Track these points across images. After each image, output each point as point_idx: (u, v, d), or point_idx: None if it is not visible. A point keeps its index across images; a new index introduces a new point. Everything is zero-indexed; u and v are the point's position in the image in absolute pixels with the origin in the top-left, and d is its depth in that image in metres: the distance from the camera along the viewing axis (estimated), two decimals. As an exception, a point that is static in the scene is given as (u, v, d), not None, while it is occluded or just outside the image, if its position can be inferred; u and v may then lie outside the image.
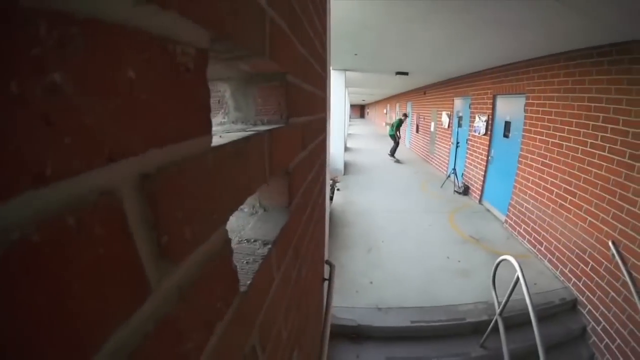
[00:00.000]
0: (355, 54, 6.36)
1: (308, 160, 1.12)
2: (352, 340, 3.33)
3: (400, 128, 12.95)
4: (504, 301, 3.09)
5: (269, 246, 0.64)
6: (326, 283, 2.40)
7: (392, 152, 13.05)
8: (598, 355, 3.69)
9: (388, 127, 14.47)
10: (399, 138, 13.04)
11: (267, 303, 0.64)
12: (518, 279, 2.87)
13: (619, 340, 3.47)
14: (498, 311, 3.14)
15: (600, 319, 3.73)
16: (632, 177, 3.48)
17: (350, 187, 8.27)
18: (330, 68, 2.36)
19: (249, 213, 0.79)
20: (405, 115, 13.37)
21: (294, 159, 0.86)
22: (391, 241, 5.20)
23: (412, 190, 8.38)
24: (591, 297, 3.90)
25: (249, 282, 0.52)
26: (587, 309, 3.95)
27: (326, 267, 2.47)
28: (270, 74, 0.72)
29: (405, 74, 8.57)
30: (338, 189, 7.78)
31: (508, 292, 3.01)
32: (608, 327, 3.61)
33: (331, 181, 8.33)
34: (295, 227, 0.91)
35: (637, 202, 3.42)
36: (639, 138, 3.43)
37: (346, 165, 10.53)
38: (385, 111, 25.48)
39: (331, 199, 7.36)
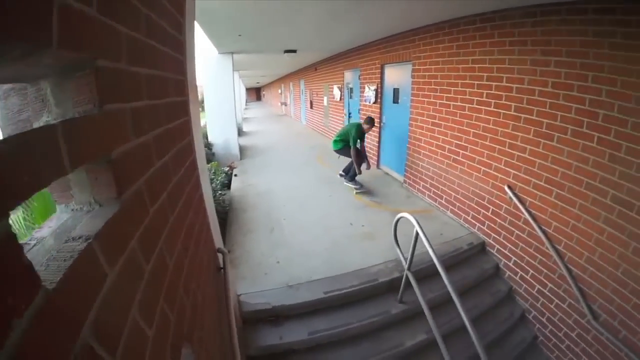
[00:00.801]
0: (240, 35, 6.16)
1: (155, 146, 1.06)
2: (272, 323, 3.21)
3: (363, 141, 6.55)
4: (409, 256, 3.17)
5: (90, 241, 0.61)
6: (223, 272, 2.31)
7: (347, 173, 6.65)
8: (515, 287, 4.09)
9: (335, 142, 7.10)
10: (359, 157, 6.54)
11: (99, 299, 0.61)
12: (417, 233, 2.95)
13: (532, 271, 3.86)
14: (406, 266, 3.23)
15: (510, 255, 4.12)
16: (519, 127, 3.81)
17: (249, 171, 7.97)
18: (196, 50, 2.25)
19: (86, 210, 0.75)
20: (372, 121, 6.22)
21: (120, 147, 0.80)
22: (293, 217, 5.09)
23: (310, 165, 8.37)
24: (497, 237, 4.28)
25: (59, 278, 0.50)
26: (495, 249, 4.34)
27: (221, 256, 2.35)
28: (79, 62, 0.68)
29: (294, 51, 8.51)
30: (236, 175, 7.52)
31: (411, 247, 3.10)
32: (519, 261, 4.01)
33: (228, 167, 7.93)
34: (136, 218, 0.86)
35: (526, 149, 3.76)
36: (522, 92, 3.74)
37: (243, 150, 10.24)
38: (279, 91, 25.28)
39: (228, 185, 6.95)
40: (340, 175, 6.61)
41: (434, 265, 2.78)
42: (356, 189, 6.12)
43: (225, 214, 5.27)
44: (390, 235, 3.51)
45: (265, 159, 9.19)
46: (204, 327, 1.50)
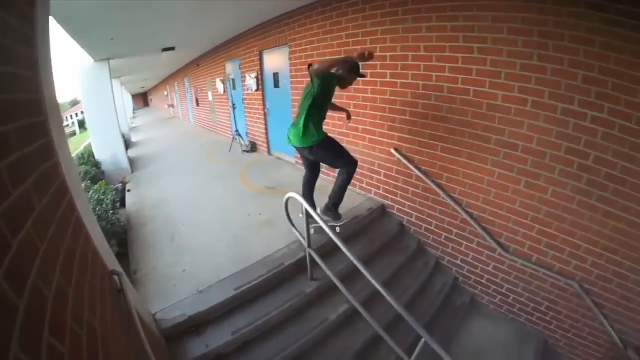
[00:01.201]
0: (112, 39, 5.74)
1: (8, 174, 0.96)
2: (195, 333, 3.00)
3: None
4: (306, 234, 3.19)
5: None
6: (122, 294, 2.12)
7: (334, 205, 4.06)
8: (423, 239, 4.36)
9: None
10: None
11: None
12: (307, 210, 3.00)
13: (434, 221, 4.14)
14: (306, 245, 3.25)
15: (410, 211, 4.36)
16: (397, 91, 4.03)
17: (142, 183, 7.26)
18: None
19: None
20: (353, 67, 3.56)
21: None
22: (191, 221, 4.79)
23: (201, 164, 7.98)
24: (395, 197, 4.50)
25: None
26: (395, 209, 4.56)
27: (117, 278, 2.16)
28: None
29: (172, 48, 8.08)
30: (129, 190, 6.83)
31: (304, 225, 3.14)
32: (420, 215, 4.27)
33: (120, 184, 7.28)
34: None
35: (406, 111, 3.99)
36: (396, 59, 3.94)
37: (133, 161, 9.40)
38: (165, 93, 23.71)
39: (122, 202, 6.40)
40: (324, 214, 3.92)
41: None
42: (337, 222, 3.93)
43: (125, 233, 4.82)
44: (299, 223, 3.52)
45: (157, 167, 8.54)
46: (110, 354, 1.42)
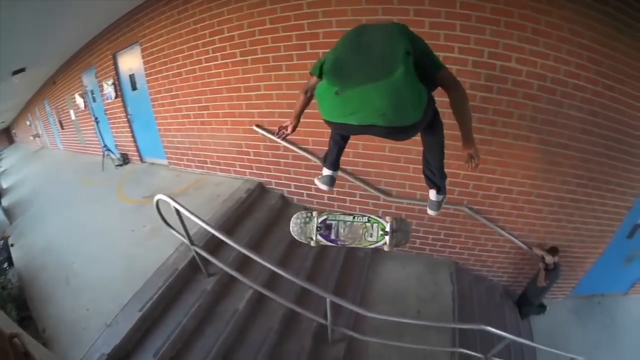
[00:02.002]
0: None
1: None
2: None
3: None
4: (185, 233, 3.08)
5: None
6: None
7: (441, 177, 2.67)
8: (308, 205, 4.54)
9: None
10: None
11: None
12: (177, 209, 2.88)
13: (313, 186, 4.04)
14: (189, 244, 3.15)
15: (288, 182, 4.48)
16: (248, 69, 4.02)
17: (24, 231, 6.42)
18: None
19: None
20: None
21: None
22: (81, 255, 4.39)
23: (78, 191, 7.26)
24: (269, 173, 4.57)
25: None
26: (273, 183, 4.64)
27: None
28: None
29: (22, 70, 7.04)
30: (12, 245, 6.04)
31: (181, 224, 3.02)
32: (298, 183, 4.42)
33: (1, 240, 6.38)
34: None
35: (260, 86, 4.02)
36: (243, 37, 3.93)
37: (10, 211, 8.55)
38: (28, 123, 20.93)
39: (9, 260, 5.64)
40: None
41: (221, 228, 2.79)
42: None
43: (23, 293, 4.32)
44: (175, 222, 3.38)
45: (35, 209, 7.59)
46: None
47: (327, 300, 2.74)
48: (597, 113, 3.77)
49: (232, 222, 3.91)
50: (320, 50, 3.45)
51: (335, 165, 2.74)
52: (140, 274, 3.46)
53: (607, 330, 6.50)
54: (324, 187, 2.76)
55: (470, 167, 2.10)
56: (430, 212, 2.78)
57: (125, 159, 7.59)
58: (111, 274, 3.72)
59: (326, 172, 2.76)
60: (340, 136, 2.63)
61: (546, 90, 3.45)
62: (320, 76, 1.94)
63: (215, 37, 4.14)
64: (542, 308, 5.62)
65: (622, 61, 3.48)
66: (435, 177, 2.53)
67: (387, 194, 3.97)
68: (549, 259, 4.50)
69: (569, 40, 3.26)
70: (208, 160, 5.20)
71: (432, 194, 2.68)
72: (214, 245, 3.40)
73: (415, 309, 3.92)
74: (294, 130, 2.61)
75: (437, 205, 2.74)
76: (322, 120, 3.62)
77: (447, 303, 4.10)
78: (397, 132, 1.75)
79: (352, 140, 3.69)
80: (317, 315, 3.09)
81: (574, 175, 4.18)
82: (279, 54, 3.70)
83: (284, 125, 2.52)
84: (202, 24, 4.25)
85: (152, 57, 5.23)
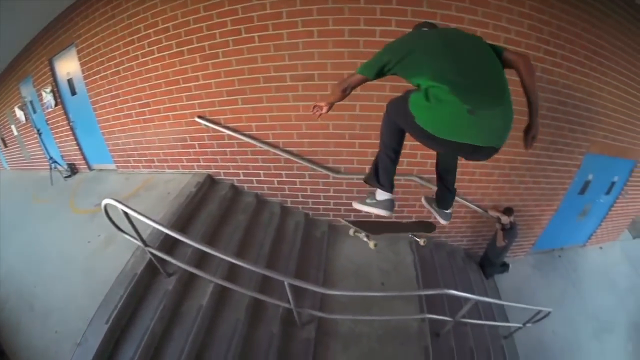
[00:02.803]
0: None
1: None
2: None
3: None
4: (137, 235, 2.95)
5: None
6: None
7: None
8: (259, 192, 4.50)
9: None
10: None
11: None
12: (125, 212, 2.75)
13: (261, 171, 4.33)
14: (142, 246, 3.02)
15: (236, 170, 4.43)
16: (185, 60, 3.87)
17: None
18: None
19: None
20: None
21: None
22: (41, 278, 4.14)
23: (29, 211, 6.80)
24: (217, 163, 4.48)
25: None
26: (222, 174, 4.56)
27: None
28: None
29: None
30: None
31: (131, 227, 2.87)
32: (246, 170, 4.37)
33: None
34: None
35: (198, 76, 3.90)
36: (178, 27, 3.77)
37: None
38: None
39: None
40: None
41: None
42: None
43: None
44: (128, 226, 3.29)
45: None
46: None
47: (286, 283, 2.73)
48: (539, 78, 3.86)
49: (185, 218, 3.83)
50: (256, 34, 3.40)
51: (393, 185, 2.35)
52: (102, 285, 3.35)
53: (570, 280, 6.85)
54: (384, 214, 2.37)
55: (530, 147, 1.94)
56: (443, 222, 2.75)
57: (73, 169, 7.27)
58: (74, 290, 3.58)
59: (384, 195, 2.34)
60: (398, 151, 2.22)
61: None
62: (374, 78, 1.86)
63: (150, 30, 3.98)
64: (505, 267, 5.85)
65: (563, 28, 3.60)
66: (452, 194, 2.59)
67: (336, 171, 3.99)
68: (505, 219, 4.67)
69: (508, 9, 3.33)
70: (155, 158, 5.05)
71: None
72: (170, 244, 3.33)
73: (379, 282, 3.98)
74: (327, 111, 2.32)
75: (449, 216, 2.75)
76: (262, 105, 3.59)
77: (410, 272, 4.20)
78: (494, 154, 1.73)
79: (295, 121, 3.72)
80: (281, 301, 3.08)
81: (521, 138, 4.30)
82: (214, 41, 3.61)
83: (319, 104, 2.25)
84: (136, 18, 4.07)
85: (88, 57, 5.00)
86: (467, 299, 3.34)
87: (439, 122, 1.61)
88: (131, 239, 3.08)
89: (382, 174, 2.26)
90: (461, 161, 4.02)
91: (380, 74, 1.80)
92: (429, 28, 1.94)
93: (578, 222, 6.80)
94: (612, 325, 6.43)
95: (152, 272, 3.32)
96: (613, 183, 6.55)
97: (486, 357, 4.34)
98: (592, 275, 7.18)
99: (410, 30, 1.97)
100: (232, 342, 2.99)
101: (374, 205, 2.35)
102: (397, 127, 1.99)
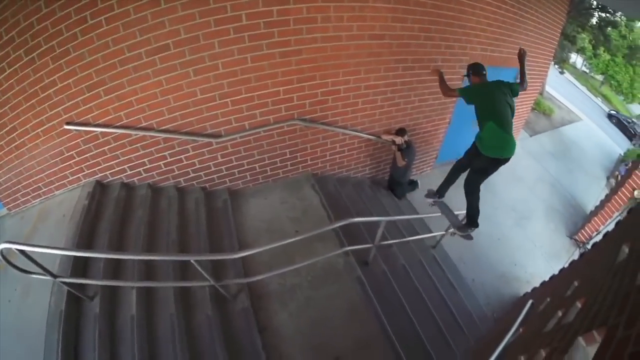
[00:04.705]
0: None
1: None
2: None
3: None
4: (42, 270, 2.73)
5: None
6: None
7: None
8: (150, 181, 4.23)
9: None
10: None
11: None
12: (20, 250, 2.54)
13: (146, 159, 4.04)
14: (51, 278, 2.83)
15: (121, 167, 4.11)
16: (37, 67, 3.42)
17: None
18: None
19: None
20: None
21: None
22: None
23: None
24: (100, 167, 4.12)
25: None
26: (109, 175, 4.19)
27: None
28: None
29: None
30: None
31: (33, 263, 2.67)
32: (132, 163, 4.09)
33: None
34: None
35: (55, 82, 3.48)
36: (21, 35, 3.30)
37: None
38: None
39: None
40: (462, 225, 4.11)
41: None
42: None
43: None
44: (33, 266, 3.00)
45: None
46: None
47: (192, 261, 2.64)
48: (407, 1, 4.06)
49: (86, 233, 3.56)
50: (102, 17, 3.11)
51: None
52: (37, 338, 3.07)
53: None
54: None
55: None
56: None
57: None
58: (15, 358, 3.25)
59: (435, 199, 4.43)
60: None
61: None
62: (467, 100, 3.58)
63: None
64: (413, 184, 6.17)
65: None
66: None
67: (217, 136, 3.88)
68: (399, 140, 4.87)
69: None
70: (40, 184, 4.50)
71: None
72: (82, 266, 3.17)
73: (292, 231, 4.01)
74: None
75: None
76: (124, 90, 3.54)
77: (320, 213, 4.29)
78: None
79: (162, 96, 3.55)
80: (203, 281, 3.01)
81: (397, 61, 4.48)
82: (62, 37, 3.25)
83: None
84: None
85: None
86: (378, 222, 3.46)
87: (491, 147, 3.33)
88: (39, 276, 2.87)
89: (443, 185, 4.43)
90: (339, 95, 4.19)
91: (468, 102, 3.53)
92: (482, 71, 3.67)
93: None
94: (529, 213, 7.07)
95: (75, 301, 3.11)
96: (500, 90, 7.06)
97: (421, 268, 4.61)
98: (501, 174, 7.78)
99: None
100: (175, 339, 2.91)
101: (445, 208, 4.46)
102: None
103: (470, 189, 3.70)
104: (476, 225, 3.93)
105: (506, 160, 3.32)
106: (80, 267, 3.18)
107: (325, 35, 3.76)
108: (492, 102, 3.24)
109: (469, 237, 4.18)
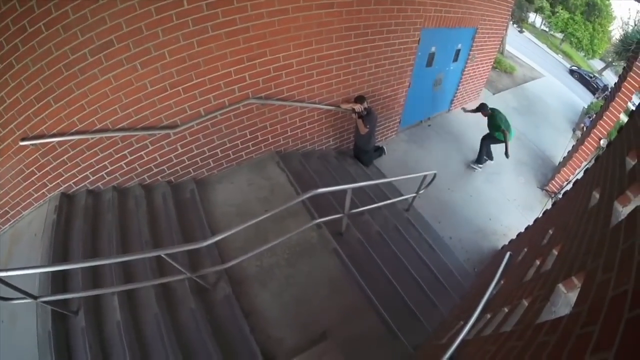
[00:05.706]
0: None
1: None
2: None
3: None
4: (21, 293, 2.63)
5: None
6: None
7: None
8: (115, 184, 4.11)
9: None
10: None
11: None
12: None
13: (107, 162, 3.93)
14: (32, 300, 2.74)
15: (84, 175, 3.96)
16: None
17: None
18: None
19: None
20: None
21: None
22: None
23: None
24: (63, 178, 3.95)
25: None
26: (73, 185, 4.03)
27: None
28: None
29: None
30: None
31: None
32: (90, 170, 3.96)
33: None
34: None
35: (3, 98, 3.27)
36: None
37: None
38: None
39: None
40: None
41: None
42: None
43: None
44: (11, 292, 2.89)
45: None
46: None
47: (162, 255, 2.59)
48: None
49: (60, 248, 3.50)
50: (42, 23, 2.90)
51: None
52: None
53: (446, 141, 7.61)
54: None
55: None
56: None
57: None
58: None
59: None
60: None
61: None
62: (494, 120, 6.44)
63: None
64: (379, 150, 6.26)
65: None
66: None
67: (174, 126, 3.80)
68: (358, 107, 4.86)
69: None
70: (6, 208, 4.24)
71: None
72: (61, 282, 3.16)
73: (262, 210, 3.96)
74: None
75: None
76: (74, 94, 3.40)
77: (288, 189, 4.31)
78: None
79: (112, 95, 3.42)
80: (180, 275, 2.99)
81: (349, 29, 4.44)
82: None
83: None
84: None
85: None
86: (347, 191, 3.45)
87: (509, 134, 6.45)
88: (20, 301, 2.76)
89: (486, 155, 7.10)
90: (292, 68, 4.14)
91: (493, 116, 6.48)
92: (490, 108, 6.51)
93: (436, 92, 7.38)
94: (499, 168, 7.20)
95: (61, 319, 3.05)
96: (458, 50, 7.15)
97: (396, 233, 4.66)
98: (465, 132, 7.95)
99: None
100: (163, 337, 2.91)
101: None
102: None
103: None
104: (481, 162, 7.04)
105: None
106: (60, 283, 3.16)
107: (271, 9, 3.68)
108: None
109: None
